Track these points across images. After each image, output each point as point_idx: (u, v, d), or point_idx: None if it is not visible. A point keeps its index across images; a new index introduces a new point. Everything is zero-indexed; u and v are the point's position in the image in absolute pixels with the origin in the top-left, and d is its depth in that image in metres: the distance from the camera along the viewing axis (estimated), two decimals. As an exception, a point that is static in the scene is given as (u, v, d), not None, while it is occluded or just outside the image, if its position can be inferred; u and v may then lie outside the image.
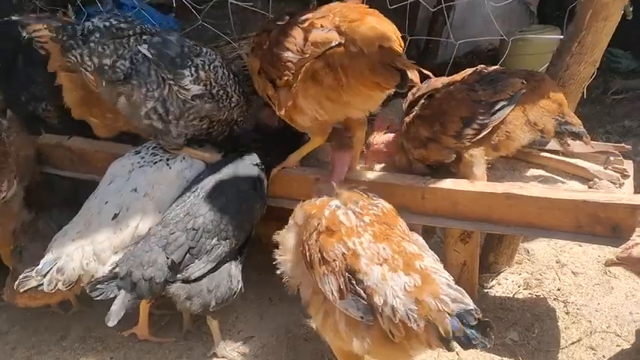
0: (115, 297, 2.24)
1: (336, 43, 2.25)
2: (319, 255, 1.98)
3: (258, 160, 2.68)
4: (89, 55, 2.45)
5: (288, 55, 2.36)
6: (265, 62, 2.49)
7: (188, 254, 2.34)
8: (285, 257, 2.23)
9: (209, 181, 2.53)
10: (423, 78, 2.58)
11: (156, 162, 2.69)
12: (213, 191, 2.49)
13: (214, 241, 2.38)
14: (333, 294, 1.92)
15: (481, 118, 2.50)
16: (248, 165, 2.65)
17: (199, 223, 2.37)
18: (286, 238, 2.24)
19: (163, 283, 2.29)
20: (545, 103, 2.54)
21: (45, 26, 2.47)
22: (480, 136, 2.51)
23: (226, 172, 2.60)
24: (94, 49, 2.44)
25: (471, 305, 1.74)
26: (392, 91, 2.33)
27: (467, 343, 1.70)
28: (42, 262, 2.40)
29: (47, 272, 2.36)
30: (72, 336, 2.80)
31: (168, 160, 2.71)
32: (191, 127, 2.66)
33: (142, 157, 2.72)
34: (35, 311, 2.85)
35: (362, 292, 1.86)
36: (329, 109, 2.42)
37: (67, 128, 3.09)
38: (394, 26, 2.21)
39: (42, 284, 2.34)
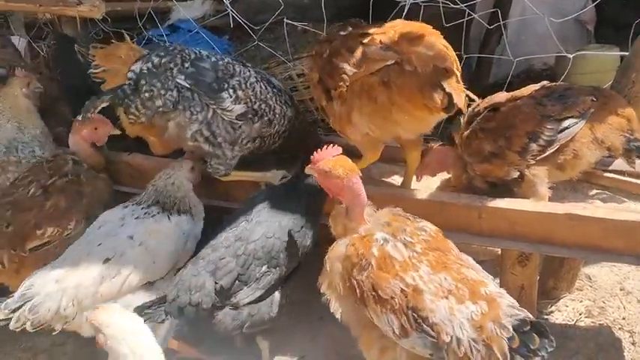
0: (163, 321, 2.23)
1: (392, 61, 2.25)
2: (373, 293, 1.90)
3: (314, 187, 2.59)
4: (142, 103, 2.53)
5: (345, 66, 2.37)
6: (323, 71, 2.51)
7: (237, 280, 2.30)
8: (329, 290, 2.15)
9: (262, 207, 2.50)
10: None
11: (153, 214, 2.63)
12: (266, 217, 2.44)
13: (264, 268, 2.34)
14: (395, 332, 1.85)
15: (548, 134, 2.41)
16: (303, 192, 2.60)
17: (250, 250, 2.32)
18: (332, 269, 2.12)
19: (211, 308, 2.26)
20: (614, 120, 2.45)
21: (100, 103, 2.54)
22: (546, 153, 2.43)
23: (281, 198, 2.57)
24: (146, 97, 2.52)
25: (523, 313, 1.73)
26: (443, 114, 2.29)
27: (528, 353, 1.66)
28: (16, 294, 2.27)
29: (18, 308, 2.22)
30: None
31: (169, 214, 2.66)
32: (246, 149, 2.72)
33: (139, 209, 2.66)
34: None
35: (429, 329, 1.79)
36: (380, 125, 2.41)
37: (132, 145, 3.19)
38: (450, 47, 2.21)
39: (9, 319, 2.21)
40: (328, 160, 2.13)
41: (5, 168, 3.03)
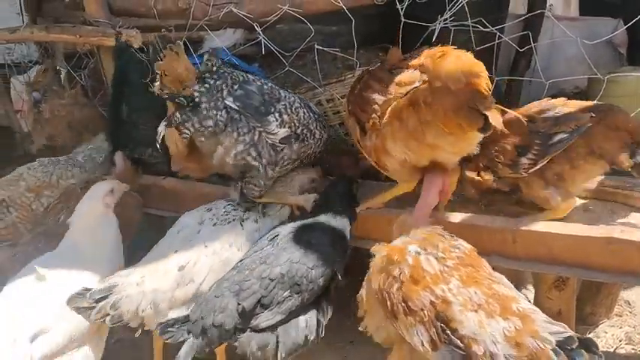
0: (184, 341, 2.24)
1: (420, 82, 2.26)
2: (403, 305, 1.91)
3: (343, 217, 2.66)
4: (199, 122, 2.60)
5: (374, 97, 2.40)
6: (355, 106, 2.55)
7: (259, 303, 2.30)
8: (364, 306, 2.17)
9: (289, 232, 2.53)
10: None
11: (229, 221, 2.72)
12: (291, 243, 2.46)
13: (287, 293, 2.34)
14: (424, 345, 1.83)
15: (537, 148, 2.42)
16: (331, 219, 2.63)
17: (275, 274, 2.34)
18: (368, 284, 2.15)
19: (233, 330, 2.26)
20: (614, 134, 2.41)
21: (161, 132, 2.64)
22: (538, 166, 2.43)
23: (308, 224, 2.60)
24: (203, 116, 2.59)
25: (569, 331, 1.67)
26: (479, 134, 2.26)
27: None
28: (99, 288, 2.32)
29: (101, 299, 2.29)
30: None
31: (242, 220, 2.74)
32: (284, 170, 2.79)
33: (214, 214, 2.74)
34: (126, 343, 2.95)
35: (458, 341, 1.77)
36: (414, 149, 2.39)
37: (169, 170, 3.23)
38: (480, 62, 2.17)
39: (92, 308, 2.26)
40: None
41: (40, 193, 3.08)
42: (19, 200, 3.00)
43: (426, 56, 2.30)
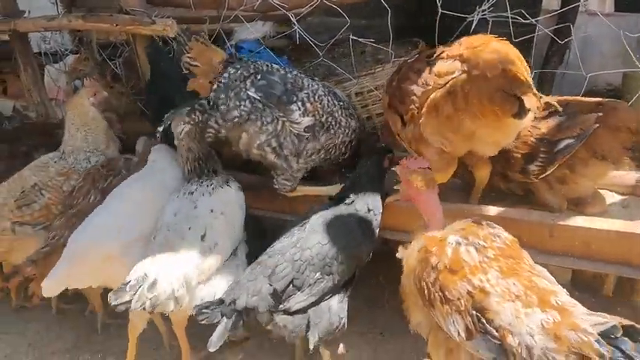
0: (218, 323, 2.25)
1: (459, 72, 2.24)
2: (440, 294, 1.92)
3: (374, 197, 2.66)
4: (222, 117, 2.62)
5: (412, 88, 2.39)
6: (394, 98, 2.55)
7: (291, 285, 2.33)
8: (403, 293, 2.18)
9: (318, 217, 2.55)
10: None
11: (214, 188, 2.71)
12: (321, 227, 2.49)
13: (318, 275, 2.36)
14: (459, 334, 1.84)
15: (543, 156, 2.46)
16: (361, 204, 2.63)
17: (306, 256, 2.37)
18: (407, 273, 2.16)
19: (266, 312, 2.28)
20: (615, 135, 2.39)
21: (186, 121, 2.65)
22: (548, 172, 2.47)
23: (337, 209, 2.60)
24: (224, 111, 2.61)
25: (612, 320, 1.65)
26: (516, 121, 2.23)
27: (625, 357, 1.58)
28: (131, 279, 2.31)
29: (138, 289, 2.28)
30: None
31: (222, 184, 2.75)
32: (311, 162, 2.76)
33: (192, 193, 2.70)
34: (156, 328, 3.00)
35: (494, 331, 1.77)
36: (452, 138, 2.39)
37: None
38: (518, 51, 2.15)
39: (132, 300, 2.25)
40: (413, 169, 2.28)
41: (70, 176, 3.14)
42: (50, 183, 3.07)
43: (465, 46, 2.29)
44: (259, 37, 4.70)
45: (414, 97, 2.40)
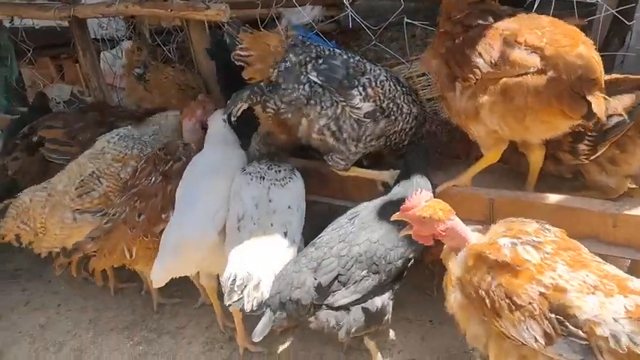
0: (263, 314, 2.28)
1: (535, 69, 2.15)
2: (507, 301, 1.80)
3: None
4: (280, 99, 2.63)
5: (479, 62, 2.28)
6: (452, 57, 2.40)
7: (336, 281, 2.31)
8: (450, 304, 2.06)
9: (369, 211, 2.50)
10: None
11: (285, 179, 2.72)
12: (371, 222, 2.43)
13: (364, 272, 2.32)
14: (537, 340, 1.75)
15: (592, 134, 2.36)
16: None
17: (353, 253, 2.33)
18: (450, 286, 2.05)
19: (310, 305, 2.28)
20: None
21: (241, 103, 2.66)
22: (598, 153, 2.38)
23: (388, 203, 2.54)
24: (282, 93, 2.61)
25: None
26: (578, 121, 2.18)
27: None
28: (235, 279, 2.32)
29: (244, 288, 2.30)
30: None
31: (291, 174, 2.76)
32: (370, 147, 2.73)
33: (263, 178, 2.70)
34: (209, 308, 3.08)
35: (579, 331, 1.68)
36: (511, 126, 2.32)
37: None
38: (599, 56, 2.09)
39: (242, 298, 2.28)
40: (424, 206, 2.08)
41: (127, 163, 3.19)
42: (107, 170, 3.13)
43: (549, 40, 2.15)
44: (308, 21, 4.70)
45: (477, 71, 2.29)
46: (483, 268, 1.91)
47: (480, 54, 2.28)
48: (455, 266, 2.04)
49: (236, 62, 2.70)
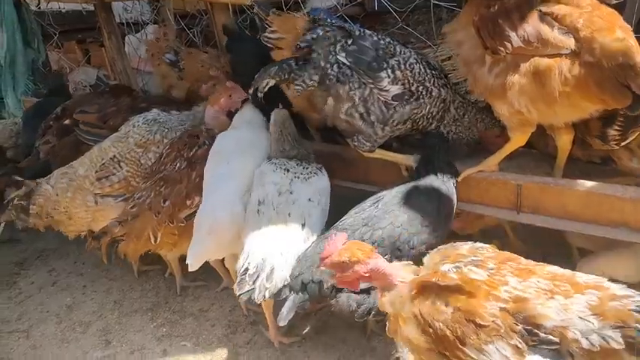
0: (287, 298, 2.27)
1: (568, 51, 2.08)
2: (470, 324, 1.68)
3: (449, 178, 2.55)
4: (309, 77, 2.57)
5: (511, 35, 2.19)
6: (484, 24, 2.30)
7: None
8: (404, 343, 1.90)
9: (393, 196, 2.47)
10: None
11: (309, 174, 2.69)
12: (395, 207, 2.41)
13: (387, 256, 2.28)
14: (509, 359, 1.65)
15: (621, 119, 2.26)
16: (436, 181, 2.53)
17: (376, 237, 2.31)
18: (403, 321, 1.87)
19: (331, 287, 2.26)
20: None
21: (268, 78, 2.60)
22: (629, 140, 2.29)
23: (413, 188, 2.52)
24: (310, 72, 2.56)
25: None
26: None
27: None
28: (248, 268, 2.31)
29: (257, 279, 2.28)
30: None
31: (317, 171, 2.73)
32: (397, 130, 2.68)
33: (288, 170, 2.69)
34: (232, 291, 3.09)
35: (549, 337, 1.62)
36: (540, 110, 2.25)
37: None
38: (636, 42, 2.00)
39: (254, 290, 2.27)
40: (341, 250, 1.95)
41: (149, 148, 3.19)
42: (128, 155, 3.15)
43: (586, 22, 2.07)
44: (332, 5, 4.64)
45: (508, 44, 2.21)
46: (431, 298, 1.80)
47: (513, 27, 2.19)
48: (401, 302, 1.88)
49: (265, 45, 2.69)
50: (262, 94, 2.65)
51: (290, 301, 2.26)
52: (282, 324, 2.25)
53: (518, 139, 2.48)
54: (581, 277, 1.73)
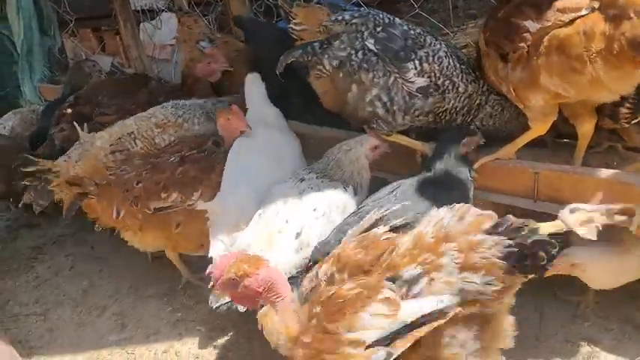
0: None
1: (588, 10, 2.03)
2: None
3: (464, 167, 2.52)
4: (329, 61, 2.57)
5: (526, 24, 2.17)
6: (498, 34, 2.32)
7: None
8: None
9: (408, 186, 2.45)
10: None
11: (329, 182, 2.64)
12: (411, 198, 2.38)
13: None
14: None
15: (634, 97, 2.24)
16: (455, 174, 2.51)
17: (394, 225, 2.25)
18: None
19: None
20: None
21: (290, 57, 2.59)
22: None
23: (429, 176, 2.51)
24: (333, 55, 2.56)
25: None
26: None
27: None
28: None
29: None
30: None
31: (345, 185, 2.65)
32: (417, 121, 2.65)
33: (314, 179, 2.66)
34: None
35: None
36: (575, 82, 2.16)
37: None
38: None
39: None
40: (229, 266, 1.90)
41: (166, 130, 3.17)
42: (145, 133, 3.13)
43: None
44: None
45: (527, 35, 2.19)
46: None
47: (526, 16, 2.18)
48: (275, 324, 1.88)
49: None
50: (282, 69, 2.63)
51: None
52: None
53: (538, 129, 2.46)
54: (427, 234, 1.83)
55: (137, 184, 2.87)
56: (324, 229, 2.45)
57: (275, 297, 1.90)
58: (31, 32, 4.61)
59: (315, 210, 2.51)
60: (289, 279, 2.19)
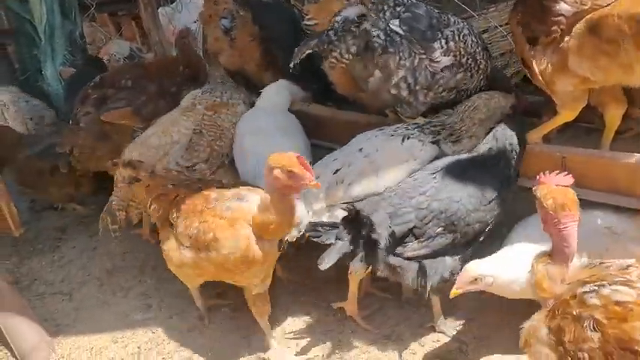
0: (331, 244, 2.24)
1: None
2: (623, 352, 1.51)
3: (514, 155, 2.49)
4: (347, 50, 2.56)
5: (561, 7, 2.16)
6: (530, 17, 2.30)
7: (411, 233, 2.29)
8: None
9: (455, 167, 2.43)
10: None
11: (392, 134, 2.64)
12: (456, 180, 2.37)
13: (440, 229, 2.29)
14: None
15: None
16: (503, 165, 2.48)
17: (433, 207, 2.29)
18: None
19: (383, 250, 2.25)
20: None
21: (306, 49, 2.60)
22: None
23: (477, 160, 2.48)
24: (349, 43, 2.54)
25: None
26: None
27: None
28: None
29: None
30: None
31: (406, 136, 2.63)
32: (439, 98, 2.64)
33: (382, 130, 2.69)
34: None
35: None
36: (605, 66, 2.15)
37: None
38: None
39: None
40: (547, 186, 1.86)
41: (219, 111, 3.23)
42: (207, 122, 3.17)
43: None
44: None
45: (561, 18, 2.17)
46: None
47: None
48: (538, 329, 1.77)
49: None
50: (297, 62, 2.64)
51: (334, 250, 2.21)
52: (322, 268, 2.19)
53: (566, 115, 2.45)
54: None
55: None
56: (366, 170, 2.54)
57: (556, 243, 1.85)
58: (53, 16, 4.63)
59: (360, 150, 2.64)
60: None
